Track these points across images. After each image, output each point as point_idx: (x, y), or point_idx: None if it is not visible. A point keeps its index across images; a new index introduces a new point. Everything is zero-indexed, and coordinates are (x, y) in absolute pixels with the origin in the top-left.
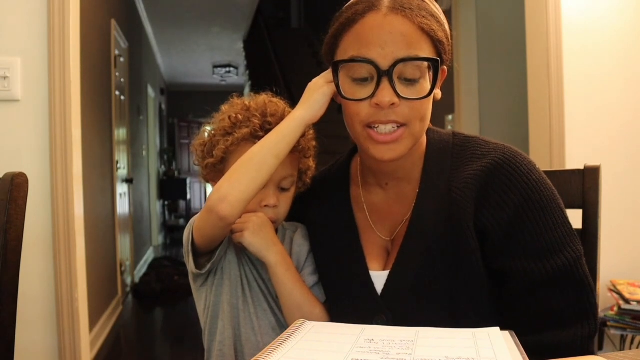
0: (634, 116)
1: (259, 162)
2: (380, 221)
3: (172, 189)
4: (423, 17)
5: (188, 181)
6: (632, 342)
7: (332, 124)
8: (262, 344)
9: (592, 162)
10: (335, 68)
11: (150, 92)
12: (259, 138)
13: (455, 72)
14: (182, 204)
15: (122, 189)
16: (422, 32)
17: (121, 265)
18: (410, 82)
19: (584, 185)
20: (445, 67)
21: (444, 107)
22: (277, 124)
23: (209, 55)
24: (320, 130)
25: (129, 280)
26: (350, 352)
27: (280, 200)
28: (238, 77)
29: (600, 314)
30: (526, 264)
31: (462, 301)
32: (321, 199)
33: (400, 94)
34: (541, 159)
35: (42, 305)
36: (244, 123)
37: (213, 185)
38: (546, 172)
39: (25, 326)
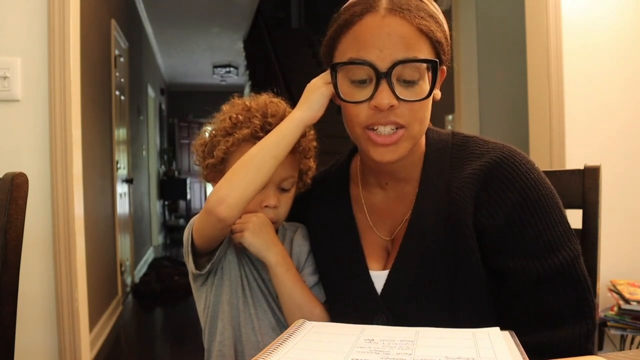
0: (634, 116)
1: (258, 163)
2: (380, 221)
3: (172, 189)
4: (421, 17)
5: (188, 181)
6: (632, 342)
7: (331, 124)
8: (262, 344)
9: (592, 162)
10: (334, 70)
11: (150, 92)
12: (260, 138)
13: (455, 72)
14: (182, 204)
15: (122, 189)
16: (421, 33)
17: (121, 265)
18: (409, 83)
19: (584, 185)
20: (444, 68)
21: (444, 107)
22: (278, 124)
23: (209, 55)
24: (320, 130)
25: (129, 280)
26: (350, 352)
27: (280, 201)
28: (238, 77)
29: (600, 314)
30: (524, 263)
31: (461, 301)
32: (321, 199)
33: (399, 96)
34: (541, 159)
35: (42, 305)
36: (244, 123)
37: (214, 185)
38: (546, 172)
39: (25, 326)
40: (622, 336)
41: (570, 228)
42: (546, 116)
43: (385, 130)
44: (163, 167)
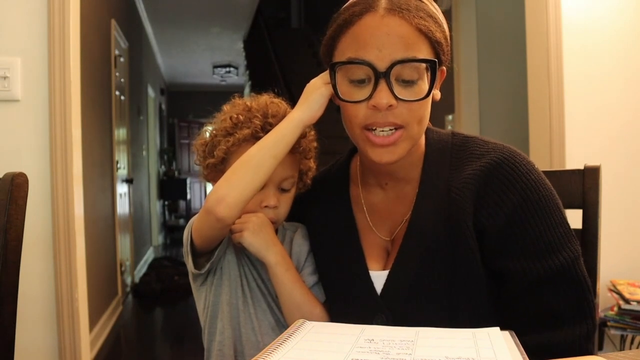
0: (634, 116)
1: (257, 163)
2: (380, 221)
3: (172, 189)
4: (420, 17)
5: (188, 181)
6: (632, 342)
7: (331, 124)
8: (261, 343)
9: (592, 162)
10: (333, 70)
11: (150, 92)
12: (260, 139)
13: (455, 73)
14: (182, 204)
15: (122, 189)
16: (420, 33)
17: (121, 265)
18: (408, 83)
19: (584, 185)
20: (444, 68)
21: (444, 107)
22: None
23: (209, 55)
24: (320, 130)
25: (129, 280)
26: (350, 352)
27: (280, 201)
28: (238, 77)
29: (600, 314)
30: (524, 264)
31: (461, 301)
32: (321, 199)
33: (398, 96)
34: (541, 159)
35: (42, 305)
36: (245, 124)
37: (214, 185)
38: (546, 172)
39: (25, 326)
40: (622, 336)
41: (570, 229)
42: (546, 116)
43: (384, 131)
44: (163, 167)
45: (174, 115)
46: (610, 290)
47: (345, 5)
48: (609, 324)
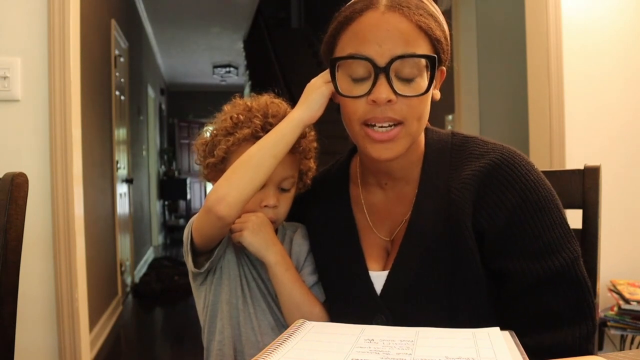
0: (634, 116)
1: (257, 163)
2: (380, 221)
3: (172, 189)
4: (420, 15)
5: (188, 181)
6: (632, 342)
7: (331, 124)
8: (261, 343)
9: (592, 162)
10: (333, 66)
11: (150, 92)
12: (260, 138)
13: (455, 72)
14: (182, 204)
15: (122, 189)
16: (420, 30)
17: (121, 265)
18: (408, 79)
19: (584, 185)
20: (443, 68)
21: (444, 107)
22: None
23: (209, 55)
24: (320, 130)
25: (129, 280)
26: (350, 352)
27: (280, 201)
28: (238, 77)
29: (600, 314)
30: (524, 264)
31: (461, 302)
32: (321, 199)
33: (397, 91)
34: (541, 159)
35: (42, 305)
36: (245, 123)
37: (214, 185)
38: (546, 172)
39: (25, 326)
40: (622, 336)
41: (570, 229)
42: (546, 116)
43: (383, 126)
44: (163, 167)
45: (174, 115)
46: (610, 290)
47: (347, 4)
48: (609, 324)
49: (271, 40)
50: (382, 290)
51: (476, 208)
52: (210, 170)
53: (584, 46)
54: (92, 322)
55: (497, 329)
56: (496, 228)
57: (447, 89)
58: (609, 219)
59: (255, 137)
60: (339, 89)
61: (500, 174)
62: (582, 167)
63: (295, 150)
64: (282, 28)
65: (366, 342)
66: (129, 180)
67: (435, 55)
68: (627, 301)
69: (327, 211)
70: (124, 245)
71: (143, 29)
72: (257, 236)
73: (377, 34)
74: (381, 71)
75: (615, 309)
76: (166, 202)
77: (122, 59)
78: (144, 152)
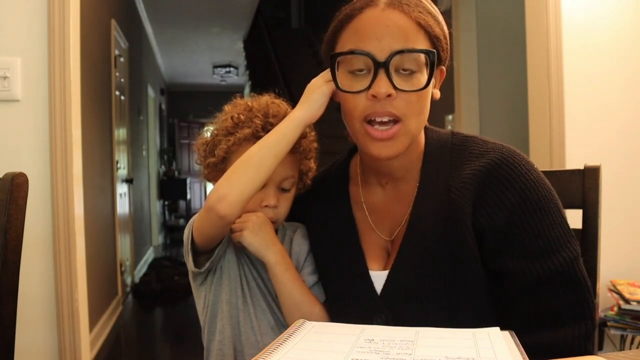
0: (634, 116)
1: (258, 162)
2: (380, 221)
3: (172, 189)
4: (420, 12)
5: (188, 181)
6: (632, 342)
7: (331, 124)
8: (261, 343)
9: (592, 162)
10: (333, 62)
11: (150, 92)
12: (261, 138)
13: (455, 72)
14: (182, 204)
15: (122, 189)
16: (419, 27)
17: (121, 265)
18: (407, 75)
19: (584, 185)
20: (443, 68)
21: (444, 107)
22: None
23: (209, 55)
24: (320, 130)
25: (129, 280)
26: (350, 352)
27: (280, 201)
28: (238, 77)
29: (600, 314)
30: (524, 264)
31: (461, 301)
32: (321, 199)
33: (397, 86)
34: (541, 159)
35: (42, 305)
36: (246, 123)
37: (214, 185)
38: (546, 172)
39: (25, 326)
40: (622, 336)
41: (570, 229)
42: (546, 116)
43: (383, 120)
44: (163, 167)
45: (174, 115)
46: (610, 290)
47: (347, 4)
48: (609, 324)
49: (271, 40)
50: (383, 290)
51: (476, 207)
52: (211, 170)
53: (584, 46)
54: (92, 322)
55: (497, 329)
56: (496, 227)
57: (447, 88)
58: (609, 219)
59: (255, 137)
60: (340, 85)
61: (500, 173)
62: (582, 167)
63: (296, 151)
64: (282, 28)
65: (366, 342)
66: (129, 180)
67: (435, 51)
68: (627, 301)
69: (327, 211)
70: (124, 245)
71: (143, 29)
72: (257, 236)
73: (377, 30)
74: (381, 66)
75: (615, 309)
76: (166, 202)
77: (122, 59)
78: (144, 152)
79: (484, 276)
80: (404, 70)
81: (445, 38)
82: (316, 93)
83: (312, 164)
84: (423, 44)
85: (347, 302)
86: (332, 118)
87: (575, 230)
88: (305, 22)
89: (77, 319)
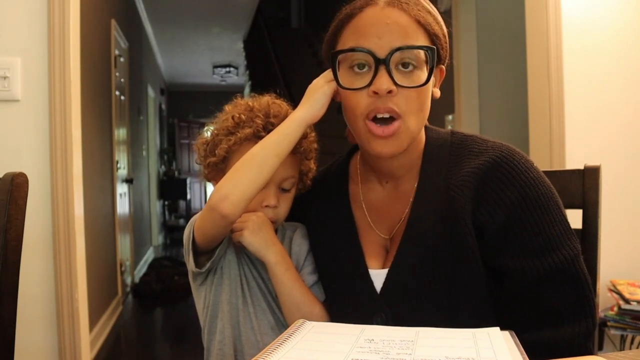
0: (634, 116)
1: (260, 162)
2: (379, 219)
3: (172, 189)
4: (419, 10)
5: (188, 181)
6: (632, 342)
7: (331, 124)
8: (261, 343)
9: (592, 162)
10: (334, 60)
11: (150, 92)
12: (261, 138)
13: (455, 72)
14: (182, 204)
15: (122, 189)
16: (419, 25)
17: (121, 265)
18: (407, 72)
19: (584, 185)
20: (443, 67)
21: (444, 107)
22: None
23: (209, 55)
24: (320, 130)
25: (129, 280)
26: (350, 352)
27: (280, 201)
28: (238, 77)
29: (600, 314)
30: (524, 262)
31: (460, 300)
32: (320, 198)
33: (397, 82)
34: (541, 159)
35: (42, 305)
36: (246, 123)
37: (214, 184)
38: (546, 172)
39: (25, 326)
40: (622, 336)
41: (570, 227)
42: (546, 116)
43: (384, 116)
44: (163, 167)
45: (174, 115)
46: (610, 290)
47: (347, 4)
48: (609, 324)
49: (271, 40)
50: (382, 288)
51: (476, 205)
52: (211, 170)
53: (584, 46)
54: (92, 322)
55: (497, 329)
56: (496, 225)
57: (447, 88)
58: (609, 219)
59: (256, 137)
60: (341, 82)
61: (499, 172)
62: (582, 167)
63: (297, 151)
64: (282, 28)
65: (366, 342)
66: (129, 180)
67: (434, 47)
68: (627, 301)
69: (326, 210)
70: (124, 245)
71: (143, 29)
72: (257, 236)
73: (377, 27)
74: (381, 63)
75: (615, 309)
76: (166, 202)
77: (122, 59)
78: (144, 152)
79: (484, 275)
80: (404, 67)
81: (444, 37)
82: (318, 93)
83: (312, 165)
84: (422, 41)
85: (347, 301)
86: (333, 118)
87: (575, 230)
88: (305, 22)
89: (77, 319)
